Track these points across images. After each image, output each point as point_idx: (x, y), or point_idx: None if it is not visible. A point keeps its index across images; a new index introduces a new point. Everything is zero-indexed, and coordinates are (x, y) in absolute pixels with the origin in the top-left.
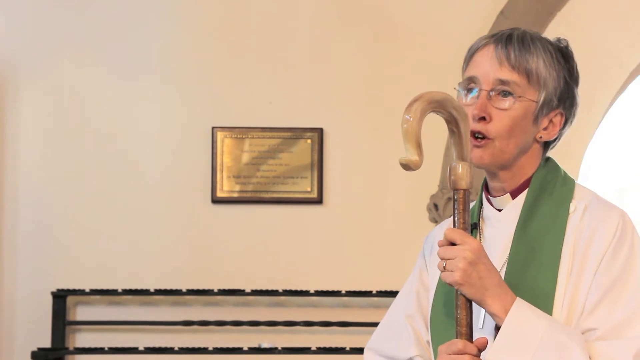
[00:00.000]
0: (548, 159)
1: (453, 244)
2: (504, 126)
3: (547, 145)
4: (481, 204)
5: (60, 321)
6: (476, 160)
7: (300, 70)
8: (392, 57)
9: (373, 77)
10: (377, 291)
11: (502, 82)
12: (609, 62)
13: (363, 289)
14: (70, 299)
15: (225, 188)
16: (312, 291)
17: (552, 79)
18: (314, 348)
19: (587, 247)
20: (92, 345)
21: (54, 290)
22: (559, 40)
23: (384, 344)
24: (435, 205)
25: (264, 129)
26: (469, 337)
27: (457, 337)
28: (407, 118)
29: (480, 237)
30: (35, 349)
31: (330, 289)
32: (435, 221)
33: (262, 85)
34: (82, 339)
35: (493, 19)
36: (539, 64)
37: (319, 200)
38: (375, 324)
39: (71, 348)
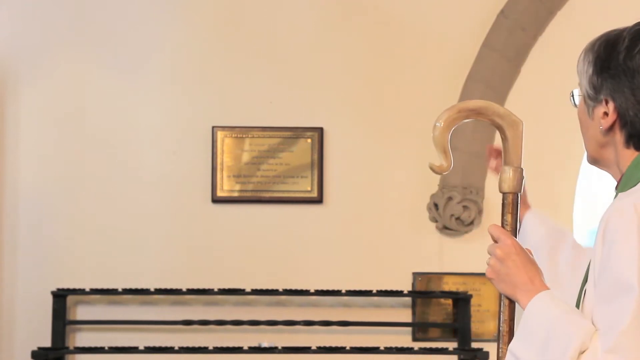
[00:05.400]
0: None
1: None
2: (580, 124)
3: (630, 137)
4: None
5: (61, 320)
6: None
7: (300, 69)
8: (392, 57)
9: (373, 77)
10: (377, 291)
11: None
12: None
13: (363, 288)
14: (70, 299)
15: (226, 187)
16: (312, 290)
17: (583, 71)
18: (314, 347)
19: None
20: (92, 345)
21: (54, 289)
22: (622, 29)
23: None
24: (436, 205)
25: (264, 129)
26: (509, 334)
27: (498, 332)
28: (437, 125)
29: None
30: (35, 348)
31: (330, 288)
32: (436, 221)
33: (262, 84)
34: (82, 338)
35: (493, 18)
36: (579, 61)
37: (319, 200)
38: (375, 324)
39: (71, 347)
